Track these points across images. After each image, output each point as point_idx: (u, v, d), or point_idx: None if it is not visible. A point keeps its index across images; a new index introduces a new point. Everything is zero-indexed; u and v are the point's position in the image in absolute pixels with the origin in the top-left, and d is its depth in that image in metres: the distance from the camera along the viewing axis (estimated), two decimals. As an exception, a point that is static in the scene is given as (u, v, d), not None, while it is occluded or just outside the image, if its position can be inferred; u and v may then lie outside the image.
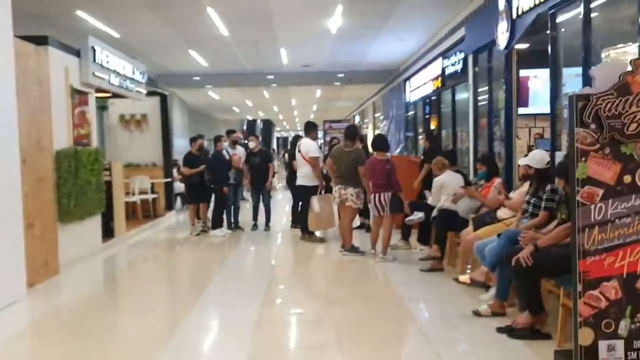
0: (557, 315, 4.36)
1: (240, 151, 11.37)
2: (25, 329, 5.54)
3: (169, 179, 13.79)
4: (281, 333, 5.22)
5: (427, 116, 16.53)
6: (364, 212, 9.87)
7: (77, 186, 7.90)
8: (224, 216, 10.65)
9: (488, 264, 5.23)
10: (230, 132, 11.70)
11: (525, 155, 6.06)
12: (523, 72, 9.65)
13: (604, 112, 3.50)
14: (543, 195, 5.29)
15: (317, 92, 26.98)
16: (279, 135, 65.42)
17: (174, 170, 14.24)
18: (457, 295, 5.93)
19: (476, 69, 11.15)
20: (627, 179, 3.55)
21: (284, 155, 20.65)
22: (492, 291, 5.35)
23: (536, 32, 8.09)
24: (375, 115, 27.46)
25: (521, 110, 9.70)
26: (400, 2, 11.30)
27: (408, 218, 8.05)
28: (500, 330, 4.67)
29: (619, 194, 3.54)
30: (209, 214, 10.71)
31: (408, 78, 18.05)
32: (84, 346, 4.82)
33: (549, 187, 5.26)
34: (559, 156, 7.00)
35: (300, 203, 9.88)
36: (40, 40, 7.30)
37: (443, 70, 13.44)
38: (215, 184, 10.36)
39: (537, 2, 7.56)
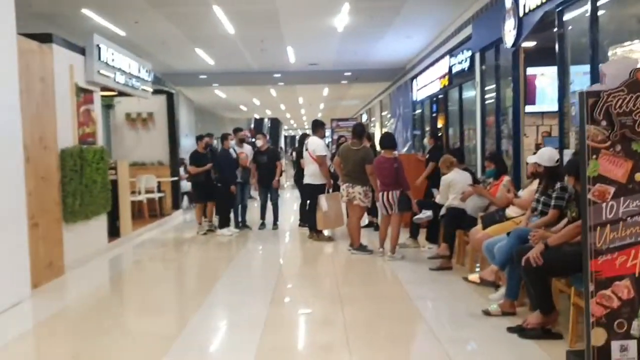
0: (568, 314, 4.30)
1: (247, 149, 11.32)
2: (30, 330, 5.50)
3: (175, 178, 13.78)
4: (289, 332, 5.18)
5: (434, 114, 16.48)
6: (372, 211, 9.83)
7: (83, 185, 7.89)
8: (231, 215, 10.61)
9: (498, 262, 5.17)
10: (237, 131, 11.66)
11: (534, 153, 6.00)
12: (530, 70, 9.58)
13: (614, 109, 3.44)
14: (552, 194, 5.22)
15: (324, 90, 26.93)
16: (286, 134, 65.43)
17: (181, 169, 14.24)
18: (466, 294, 5.87)
19: (483, 67, 11.09)
20: (639, 176, 3.48)
21: (291, 154, 20.63)
22: (502, 290, 5.29)
23: (543, 30, 8.03)
24: (383, 113, 27.40)
25: (528, 108, 9.63)
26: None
27: (416, 216, 8.00)
28: (510, 330, 4.61)
29: (630, 191, 3.48)
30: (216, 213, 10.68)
31: (415, 76, 18.00)
32: (89, 347, 4.79)
33: (558, 185, 5.20)
34: (567, 154, 6.94)
35: (308, 202, 9.84)
36: (44, 38, 7.29)
37: (450, 68, 13.39)
38: (222, 182, 10.32)
39: (544, 0, 7.48)
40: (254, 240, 9.98)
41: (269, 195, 10.90)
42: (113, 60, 9.33)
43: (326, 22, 13.06)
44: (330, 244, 9.25)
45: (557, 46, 7.49)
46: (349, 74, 20.91)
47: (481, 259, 6.44)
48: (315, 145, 9.40)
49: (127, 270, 8.61)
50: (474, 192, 7.06)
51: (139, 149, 13.55)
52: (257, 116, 43.37)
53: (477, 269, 6.54)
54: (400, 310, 5.59)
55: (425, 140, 10.58)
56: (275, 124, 47.80)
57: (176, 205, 13.88)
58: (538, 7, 7.73)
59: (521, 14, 8.25)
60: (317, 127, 9.76)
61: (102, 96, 10.07)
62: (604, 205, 3.46)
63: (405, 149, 17.99)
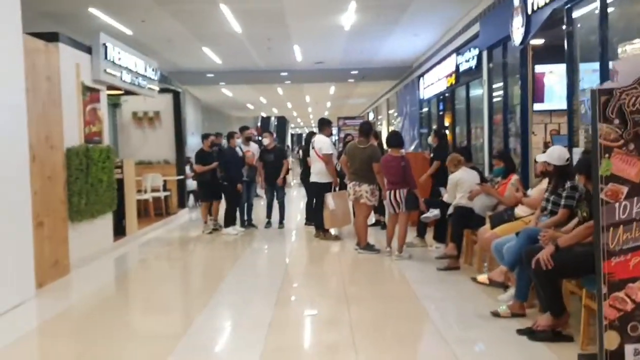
0: (579, 316, 4.23)
1: (253, 148, 11.28)
2: (34, 330, 5.45)
3: (181, 177, 13.76)
4: (295, 332, 5.14)
5: (441, 113, 16.41)
6: (379, 209, 9.77)
7: (88, 184, 7.87)
8: (237, 214, 10.58)
9: (507, 263, 5.10)
10: (243, 129, 11.62)
11: (544, 152, 5.92)
12: (539, 68, 9.50)
13: (628, 107, 3.37)
14: (562, 193, 5.15)
15: (331, 88, 26.89)
16: (293, 132, 65.42)
17: (187, 168, 14.22)
18: (474, 295, 5.81)
19: (491, 64, 11.03)
20: (653, 176, 3.41)
21: (298, 152, 20.60)
22: (511, 291, 5.22)
23: (552, 27, 7.96)
24: (389, 111, 27.34)
25: (536, 106, 9.56)
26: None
27: (424, 215, 7.94)
28: (520, 332, 4.53)
29: (644, 191, 3.40)
30: (222, 212, 10.64)
31: (422, 75, 17.94)
32: (94, 347, 4.76)
33: (568, 184, 5.12)
34: (577, 152, 6.86)
35: (314, 200, 9.79)
36: (50, 37, 7.27)
37: (457, 66, 13.32)
38: (228, 181, 10.29)
39: (552, -3, 7.43)
40: (260, 239, 9.94)
41: (275, 193, 10.86)
42: (119, 59, 9.32)
43: (333, 20, 13.01)
44: (337, 243, 9.20)
45: (565, 43, 7.42)
46: (356, 72, 20.86)
47: (489, 259, 6.38)
48: (322, 143, 9.35)
49: (132, 270, 8.59)
50: (481, 191, 6.99)
51: (146, 148, 13.55)
52: (264, 114, 43.37)
53: (485, 269, 6.48)
54: (408, 310, 5.54)
55: (430, 139, 10.49)
56: (282, 122, 47.80)
57: (182, 204, 13.86)
58: (546, 4, 7.66)
59: (529, 11, 8.18)
60: (324, 125, 9.72)
61: (109, 95, 10.06)
62: (616, 205, 3.38)
63: (413, 147, 17.94)
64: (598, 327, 3.45)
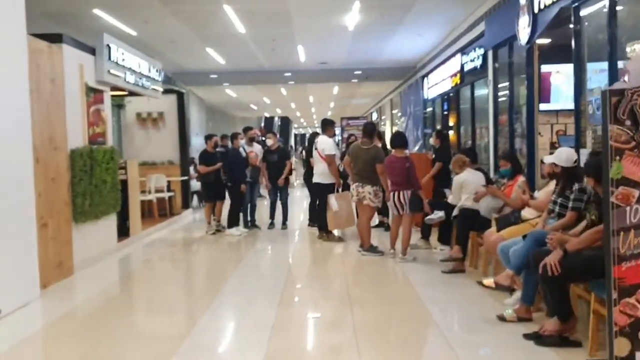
0: (587, 321, 4.18)
1: (257, 148, 11.24)
2: (38, 331, 5.44)
3: (185, 177, 13.74)
4: (298, 334, 5.11)
5: (445, 113, 16.35)
6: (382, 211, 9.72)
7: (92, 185, 7.84)
8: (240, 215, 10.54)
9: (513, 266, 5.03)
10: (247, 130, 11.59)
11: (551, 153, 5.86)
12: (545, 67, 9.45)
13: (639, 108, 3.30)
14: (570, 195, 5.08)
15: (335, 89, 26.84)
16: (296, 132, 65.38)
17: (191, 168, 14.20)
18: (480, 298, 5.75)
19: (496, 64, 10.99)
20: (665, 179, 3.35)
21: (301, 152, 20.58)
22: (517, 295, 5.16)
23: (559, 26, 7.90)
24: (393, 112, 27.28)
25: (543, 106, 9.51)
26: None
27: (428, 217, 7.87)
28: (527, 336, 4.46)
29: (656, 195, 3.34)
30: (225, 212, 10.60)
31: (426, 75, 17.89)
32: (98, 348, 4.74)
33: (576, 186, 5.06)
34: (584, 153, 6.79)
35: (317, 201, 9.75)
36: (54, 38, 7.24)
37: (462, 66, 13.28)
38: (232, 182, 10.25)
39: (559, -4, 7.38)
40: (263, 240, 9.91)
41: (278, 194, 10.82)
42: (123, 59, 9.29)
43: (337, 20, 12.98)
44: (340, 244, 9.15)
45: (573, 43, 7.36)
46: (360, 72, 20.81)
47: (495, 262, 6.32)
48: (325, 144, 9.30)
49: (136, 270, 8.56)
50: (487, 193, 6.92)
51: (149, 149, 13.54)
52: (267, 115, 43.35)
53: (491, 272, 6.42)
54: (411, 313, 5.49)
55: (431, 140, 10.43)
56: (286, 122, 47.75)
57: (186, 205, 13.84)
58: (554, 3, 7.61)
59: (536, 10, 8.13)
60: (327, 126, 9.67)
61: (113, 96, 10.03)
62: (627, 209, 3.32)
63: (417, 148, 17.89)
64: (608, 334, 3.40)
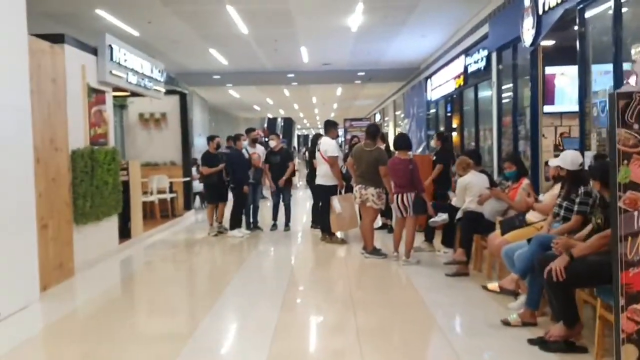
0: (593, 326, 4.12)
1: (259, 150, 11.22)
2: (39, 333, 5.41)
3: (187, 178, 13.71)
4: (300, 338, 5.07)
5: (448, 114, 16.30)
6: (386, 213, 9.66)
7: (94, 186, 7.81)
8: (243, 216, 10.49)
9: (518, 270, 4.98)
10: (249, 131, 11.56)
11: (555, 155, 5.80)
12: (549, 69, 9.38)
13: (647, 112, 3.25)
14: (576, 199, 5.03)
15: (338, 90, 26.83)
16: (299, 133, 65.37)
17: (193, 169, 14.17)
18: (484, 302, 5.69)
19: (500, 66, 10.93)
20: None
21: (304, 153, 20.55)
22: (522, 299, 5.10)
23: (563, 28, 7.84)
24: (396, 113, 27.24)
25: (546, 108, 9.44)
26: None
27: (432, 219, 7.82)
28: (531, 341, 4.40)
29: (664, 199, 3.29)
30: (227, 214, 10.56)
31: (429, 76, 17.84)
32: (99, 350, 4.71)
33: (582, 189, 5.00)
34: (588, 156, 6.73)
35: (320, 203, 9.70)
36: (56, 38, 7.22)
37: (465, 67, 13.22)
38: (234, 183, 10.21)
39: (564, -2, 7.33)
40: (266, 241, 9.87)
41: (281, 196, 10.78)
42: (125, 60, 9.26)
43: (340, 21, 12.95)
44: (343, 246, 9.10)
45: (578, 45, 7.31)
46: (363, 73, 20.80)
47: (499, 265, 6.27)
48: (327, 145, 9.25)
49: (137, 272, 8.52)
50: (491, 196, 6.88)
51: (152, 149, 13.53)
52: (270, 116, 43.34)
53: (495, 275, 6.37)
54: (415, 316, 5.43)
55: (432, 142, 10.36)
56: (289, 123, 47.75)
57: (188, 206, 13.81)
58: (558, 4, 7.56)
59: (540, 11, 8.08)
60: (330, 127, 9.62)
61: (116, 96, 10.01)
62: (635, 213, 3.27)
63: (420, 149, 17.84)
64: (615, 341, 3.34)
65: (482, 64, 11.87)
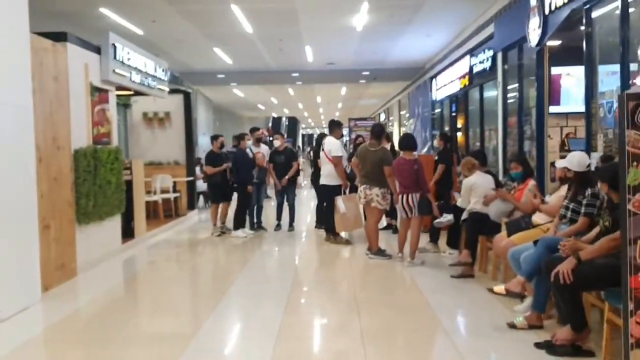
0: (600, 329, 4.07)
1: (264, 149, 11.17)
2: (41, 333, 5.36)
3: (191, 178, 13.68)
4: (304, 339, 5.03)
5: (453, 114, 16.25)
6: (390, 213, 9.60)
7: (96, 186, 7.78)
8: (247, 216, 10.46)
9: (524, 272, 4.92)
10: (253, 130, 11.52)
11: (562, 156, 5.74)
12: (555, 70, 9.32)
13: (658, 113, 3.19)
14: (583, 200, 4.97)
15: (343, 89, 26.80)
16: (304, 133, 65.39)
17: (197, 169, 14.14)
18: (489, 304, 5.63)
19: (506, 66, 10.88)
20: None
21: (309, 153, 20.53)
22: (528, 301, 5.05)
23: (569, 28, 7.78)
24: (401, 113, 27.18)
25: (552, 109, 9.38)
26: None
27: (437, 220, 7.76)
28: (538, 345, 4.35)
29: (674, 202, 3.22)
30: (231, 214, 10.52)
31: (434, 76, 17.80)
32: (101, 351, 4.69)
33: (589, 191, 4.94)
34: (594, 157, 6.67)
35: (324, 203, 9.65)
36: (59, 37, 7.18)
37: (471, 67, 13.18)
38: (239, 183, 10.18)
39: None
40: (270, 242, 9.83)
41: (285, 196, 10.74)
42: (129, 59, 9.23)
43: (345, 21, 12.91)
44: (348, 247, 9.05)
45: (584, 45, 7.25)
46: (368, 73, 20.76)
47: (505, 267, 6.21)
48: (331, 145, 9.21)
49: (140, 272, 8.49)
50: (497, 196, 6.81)
51: (156, 149, 13.50)
52: (275, 115, 43.33)
53: (500, 277, 6.31)
54: (420, 318, 5.39)
55: (435, 142, 10.29)
56: (293, 122, 47.77)
57: (191, 206, 13.77)
58: (565, 4, 7.50)
59: (547, 11, 8.03)
60: (334, 127, 9.57)
61: (119, 95, 9.98)
62: (645, 216, 3.22)
63: (425, 149, 17.79)
64: (624, 346, 3.29)
65: (487, 64, 11.82)
